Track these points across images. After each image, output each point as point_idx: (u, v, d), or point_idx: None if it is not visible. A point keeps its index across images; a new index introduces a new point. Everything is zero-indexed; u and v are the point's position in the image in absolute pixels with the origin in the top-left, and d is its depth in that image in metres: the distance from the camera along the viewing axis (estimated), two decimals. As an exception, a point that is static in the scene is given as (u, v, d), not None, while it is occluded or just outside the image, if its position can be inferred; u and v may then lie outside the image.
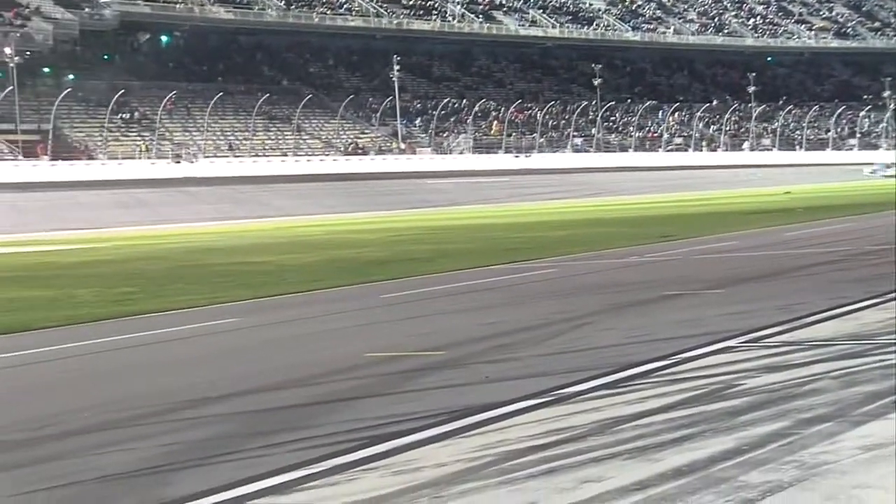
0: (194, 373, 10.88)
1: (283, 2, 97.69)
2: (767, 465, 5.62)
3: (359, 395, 8.88)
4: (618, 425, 6.81)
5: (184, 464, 6.77)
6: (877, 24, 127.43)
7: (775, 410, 6.94)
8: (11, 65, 74.04)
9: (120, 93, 79.34)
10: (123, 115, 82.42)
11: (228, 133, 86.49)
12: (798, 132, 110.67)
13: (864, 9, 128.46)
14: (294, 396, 8.99)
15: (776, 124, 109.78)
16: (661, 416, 7.00)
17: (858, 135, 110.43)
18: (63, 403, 9.54)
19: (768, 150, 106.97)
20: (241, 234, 48.87)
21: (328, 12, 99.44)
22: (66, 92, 77.61)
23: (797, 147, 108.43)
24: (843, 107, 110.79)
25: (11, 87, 73.74)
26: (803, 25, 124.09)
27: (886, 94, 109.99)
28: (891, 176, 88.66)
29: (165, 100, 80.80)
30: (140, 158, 78.48)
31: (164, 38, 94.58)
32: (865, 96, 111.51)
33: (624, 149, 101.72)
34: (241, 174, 77.47)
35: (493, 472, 5.87)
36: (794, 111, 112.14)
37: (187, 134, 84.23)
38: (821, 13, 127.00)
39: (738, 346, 9.86)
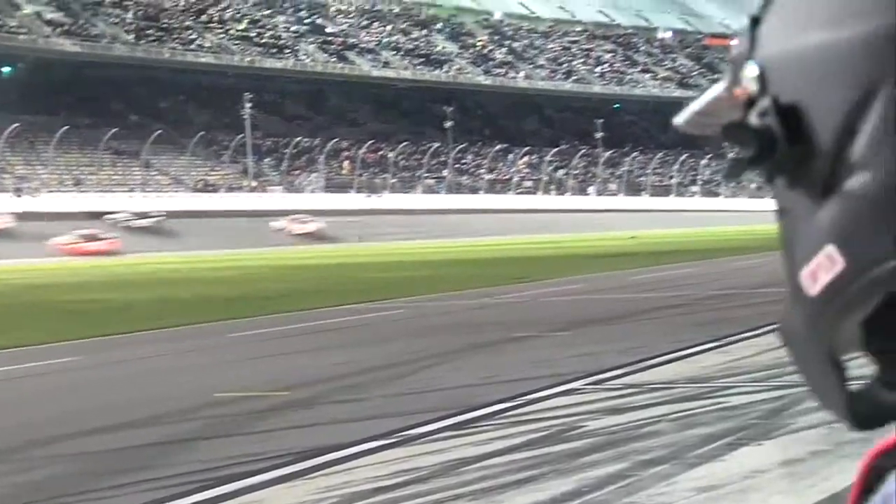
0: (27, 413, 10.62)
1: (133, 36, 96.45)
2: (607, 505, 5.77)
3: (206, 435, 8.80)
4: (462, 467, 6.89)
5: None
6: (717, 76, 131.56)
7: (615, 452, 7.11)
8: None
9: (-40, 123, 77.10)
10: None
11: (74, 167, 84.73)
12: (643, 178, 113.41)
13: (704, 61, 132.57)
14: (139, 436, 8.86)
15: (622, 170, 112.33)
16: (505, 457, 7.11)
17: (700, 182, 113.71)
18: None
19: (614, 195, 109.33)
20: (87, 270, 47.83)
21: (179, 47, 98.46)
22: None
23: (642, 193, 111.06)
24: (686, 154, 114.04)
25: None
26: (648, 75, 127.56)
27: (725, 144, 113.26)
28: None
29: (7, 132, 78.77)
30: (-20, 191, 76.28)
31: (5, 69, 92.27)
32: (706, 146, 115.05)
33: (475, 191, 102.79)
34: (87, 209, 75.87)
35: (339, 514, 5.89)
36: (639, 157, 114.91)
37: (30, 168, 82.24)
38: (664, 63, 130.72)
39: (581, 388, 10.06)
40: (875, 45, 0.65)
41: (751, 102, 0.70)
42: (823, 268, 0.66)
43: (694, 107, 0.78)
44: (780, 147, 0.67)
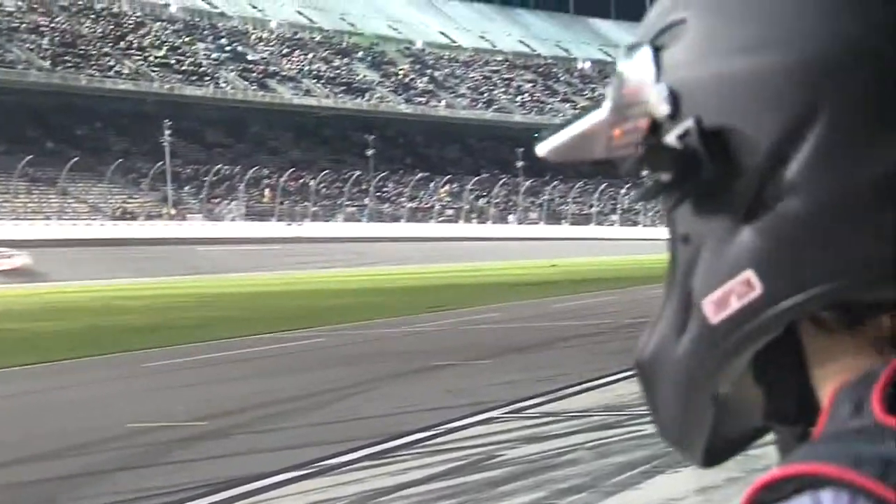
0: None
1: (49, 62, 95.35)
2: (524, 534, 5.76)
3: (118, 466, 8.66)
4: (379, 497, 6.85)
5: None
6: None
7: (533, 481, 7.12)
8: None
9: None
10: None
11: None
12: (564, 207, 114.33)
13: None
14: (48, 469, 8.69)
15: (543, 198, 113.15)
16: (423, 487, 7.08)
17: (619, 211, 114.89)
18: None
19: (535, 223, 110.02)
20: None
21: (97, 74, 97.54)
22: None
23: (563, 221, 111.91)
24: (605, 184, 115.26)
25: None
26: (568, 104, 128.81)
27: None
28: None
29: (-79, 158, 77.33)
30: None
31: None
32: (627, 176, 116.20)
33: (396, 219, 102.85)
34: (1, 237, 74.66)
35: (254, 546, 5.82)
36: (559, 186, 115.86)
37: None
38: (584, 93, 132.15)
39: (500, 417, 10.07)
40: (811, 72, 0.65)
41: (654, 127, 0.68)
42: (736, 294, 0.65)
43: (567, 133, 0.76)
44: (705, 169, 0.66)
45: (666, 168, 0.67)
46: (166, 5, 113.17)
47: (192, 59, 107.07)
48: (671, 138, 0.67)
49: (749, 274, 0.65)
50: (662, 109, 0.68)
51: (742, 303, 0.65)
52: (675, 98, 0.68)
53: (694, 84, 0.68)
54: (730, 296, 0.66)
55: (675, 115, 0.67)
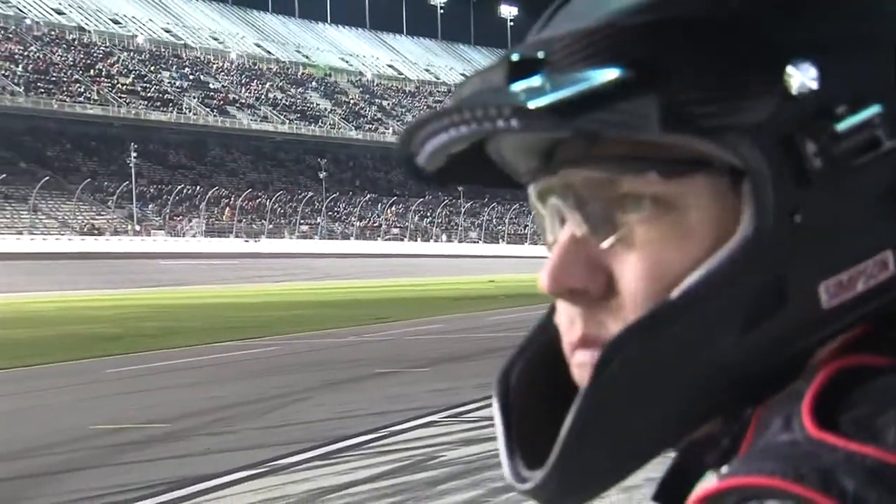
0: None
1: (22, 88, 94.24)
2: (461, 529, 5.70)
3: (81, 466, 8.49)
4: (326, 494, 6.76)
5: None
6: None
7: (471, 480, 7.06)
8: None
9: None
10: None
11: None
12: (501, 227, 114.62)
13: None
14: (12, 469, 8.50)
15: (482, 219, 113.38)
16: (368, 485, 7.00)
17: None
18: None
19: (475, 242, 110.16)
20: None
21: (67, 99, 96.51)
22: None
23: (500, 241, 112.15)
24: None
25: None
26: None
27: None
28: None
29: None
30: None
31: None
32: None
33: (346, 237, 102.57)
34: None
35: (207, 541, 5.71)
36: (497, 208, 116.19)
37: (-80, 210, 79.50)
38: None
39: (440, 421, 10.00)
40: None
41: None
42: (867, 275, 0.59)
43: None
44: (884, 148, 0.57)
45: (856, 149, 0.57)
46: (133, 36, 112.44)
47: (157, 87, 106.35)
48: (847, 120, 0.56)
49: (888, 254, 0.59)
50: (803, 84, 0.56)
51: (868, 284, 0.58)
52: (824, 72, 0.56)
53: (847, 59, 0.57)
54: (859, 277, 0.58)
55: (817, 93, 0.56)
